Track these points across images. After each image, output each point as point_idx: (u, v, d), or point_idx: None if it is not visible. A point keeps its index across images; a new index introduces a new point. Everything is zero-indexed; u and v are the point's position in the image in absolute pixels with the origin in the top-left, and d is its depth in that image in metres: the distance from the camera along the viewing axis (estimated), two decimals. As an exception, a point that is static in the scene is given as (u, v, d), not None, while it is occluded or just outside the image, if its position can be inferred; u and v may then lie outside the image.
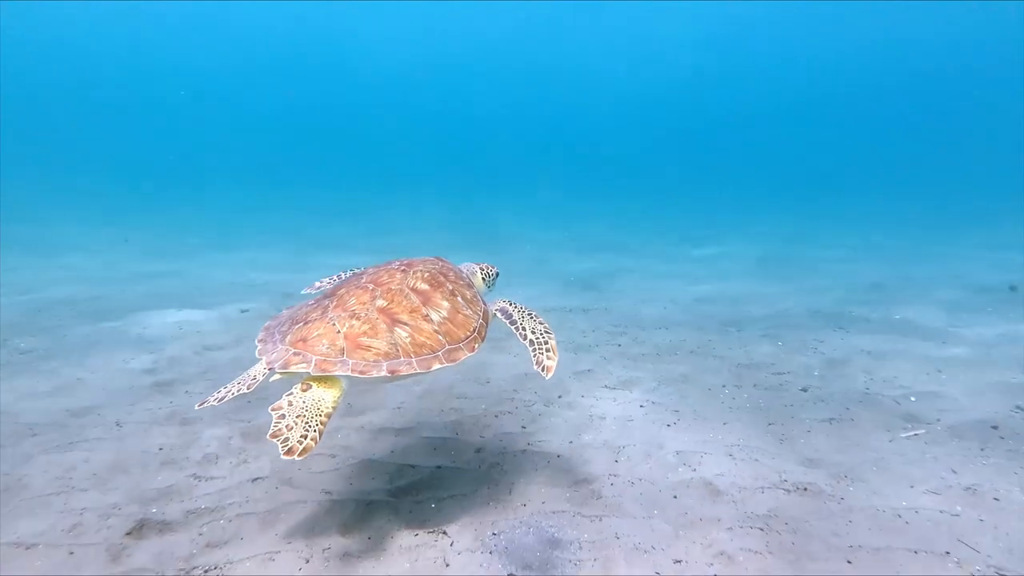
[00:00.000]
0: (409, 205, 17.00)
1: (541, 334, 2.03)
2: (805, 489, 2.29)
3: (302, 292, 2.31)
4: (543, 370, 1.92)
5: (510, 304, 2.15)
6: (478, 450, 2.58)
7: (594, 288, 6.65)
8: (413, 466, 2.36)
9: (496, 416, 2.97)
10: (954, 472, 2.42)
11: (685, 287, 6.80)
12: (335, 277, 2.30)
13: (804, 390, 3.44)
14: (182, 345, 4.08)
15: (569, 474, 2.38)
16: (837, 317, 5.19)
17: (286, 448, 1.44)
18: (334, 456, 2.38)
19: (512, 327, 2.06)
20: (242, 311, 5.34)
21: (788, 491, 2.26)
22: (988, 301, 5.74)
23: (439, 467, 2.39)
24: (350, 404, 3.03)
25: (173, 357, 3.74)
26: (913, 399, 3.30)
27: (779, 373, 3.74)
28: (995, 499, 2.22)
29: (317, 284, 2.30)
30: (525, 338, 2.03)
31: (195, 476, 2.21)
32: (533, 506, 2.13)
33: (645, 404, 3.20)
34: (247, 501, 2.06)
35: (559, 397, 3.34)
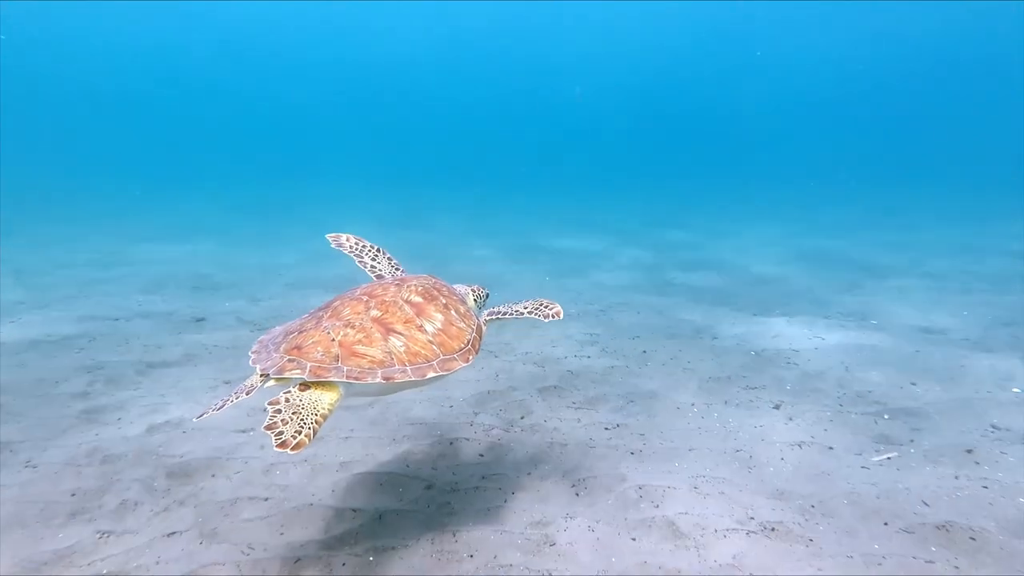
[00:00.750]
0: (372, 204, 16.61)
1: (531, 302, 2.20)
2: (773, 529, 2.16)
3: (326, 236, 2.34)
4: (553, 316, 2.14)
5: (495, 307, 2.27)
6: (428, 487, 2.40)
7: (569, 291, 6.49)
8: (354, 510, 2.16)
9: (451, 444, 2.79)
10: (927, 506, 2.31)
11: (664, 287, 6.68)
12: (360, 240, 2.35)
13: (776, 407, 3.33)
14: (125, 362, 3.80)
15: (523, 515, 2.21)
16: (813, 322, 5.10)
17: (279, 441, 1.46)
18: (267, 499, 2.17)
19: (507, 317, 2.20)
20: (197, 320, 5.05)
21: (754, 532, 2.13)
22: (964, 304, 5.73)
23: (382, 510, 2.20)
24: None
25: (112, 377, 3.46)
26: (887, 417, 3.20)
27: (751, 388, 3.62)
28: (971, 539, 2.11)
29: (345, 238, 2.34)
30: (522, 315, 2.17)
31: (103, 533, 1.98)
32: (481, 557, 1.96)
33: (610, 427, 3.04)
34: (157, 563, 1.84)
35: (521, 418, 3.17)
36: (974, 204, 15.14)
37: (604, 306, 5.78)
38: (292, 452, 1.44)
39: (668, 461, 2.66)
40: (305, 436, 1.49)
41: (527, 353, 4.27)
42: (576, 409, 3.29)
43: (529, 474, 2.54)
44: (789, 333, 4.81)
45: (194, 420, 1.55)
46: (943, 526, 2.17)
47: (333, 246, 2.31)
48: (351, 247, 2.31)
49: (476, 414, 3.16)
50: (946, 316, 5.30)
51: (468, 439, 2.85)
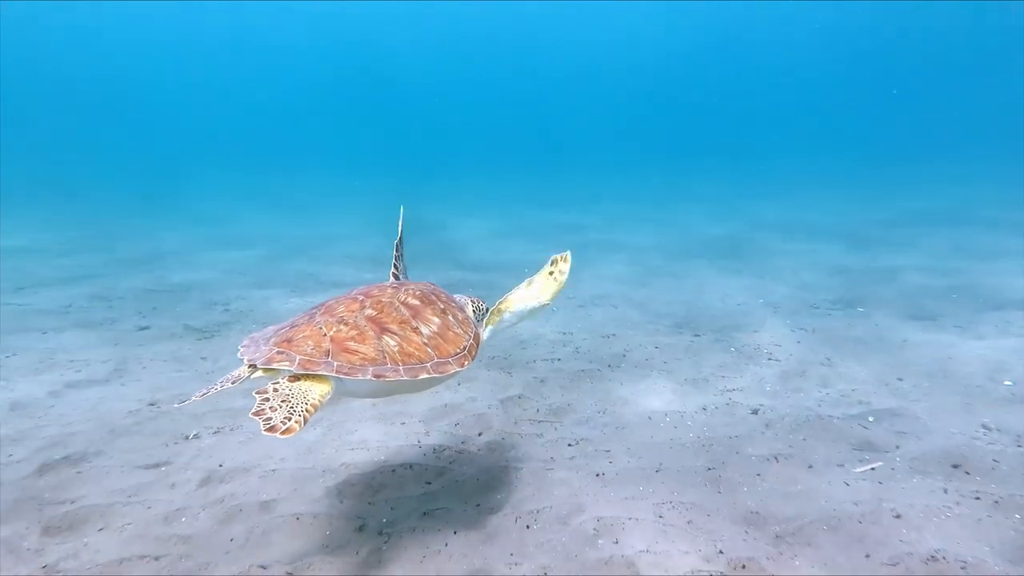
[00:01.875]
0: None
1: (529, 281, 2.09)
2: (743, 567, 1.91)
3: (401, 207, 2.39)
4: (563, 260, 2.07)
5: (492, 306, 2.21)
6: (360, 528, 2.12)
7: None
8: (263, 566, 1.88)
9: (394, 471, 2.51)
10: (915, 530, 2.08)
11: (645, 277, 6.40)
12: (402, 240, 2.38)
13: (754, 412, 3.09)
14: (41, 381, 3.45)
15: (463, 561, 1.95)
16: (797, 313, 4.87)
17: (268, 426, 1.41)
18: (159, 558, 1.87)
19: (513, 306, 2.11)
20: (140, 328, 4.69)
21: (722, 574, 1.88)
22: (953, 286, 5.53)
23: (298, 563, 1.92)
24: (220, 465, 2.51)
25: (19, 403, 3.11)
26: (871, 419, 2.98)
27: (729, 390, 3.38)
28: (962, 569, 1.89)
29: (402, 226, 2.35)
30: (524, 285, 2.06)
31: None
32: (406, 619, 1.69)
33: (574, 443, 2.78)
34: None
35: (479, 435, 2.90)
36: (958, 175, 14.98)
37: (584, 300, 5.50)
38: (282, 437, 1.39)
39: (633, 484, 2.40)
40: (295, 422, 1.43)
41: (493, 357, 3.99)
42: (539, 423, 3.02)
43: (477, 506, 2.27)
44: (772, 325, 4.57)
45: (175, 406, 1.61)
46: (932, 556, 1.94)
47: (400, 215, 2.37)
48: (401, 231, 2.38)
49: (427, 433, 2.88)
50: (934, 300, 5.09)
51: (415, 464, 2.57)
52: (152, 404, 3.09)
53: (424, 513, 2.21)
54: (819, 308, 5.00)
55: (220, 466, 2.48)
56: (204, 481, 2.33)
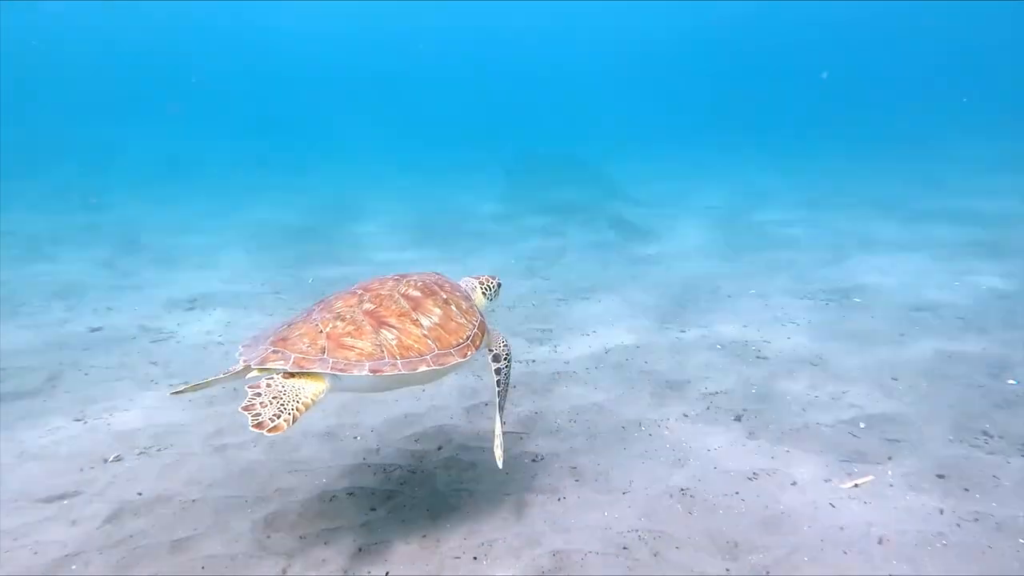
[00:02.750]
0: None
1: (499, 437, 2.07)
2: (713, 612, 1.68)
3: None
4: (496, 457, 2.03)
5: (503, 351, 2.19)
6: (283, 570, 1.88)
7: (533, 276, 5.89)
8: (163, 622, 1.64)
9: (334, 497, 2.26)
10: (908, 562, 1.85)
11: (634, 268, 6.12)
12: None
13: (737, 419, 2.85)
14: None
15: (396, 608, 1.72)
16: (790, 306, 4.60)
17: (256, 422, 1.43)
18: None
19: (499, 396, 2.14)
20: (92, 330, 4.42)
21: (688, 621, 1.65)
22: (955, 272, 5.26)
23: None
24: (138, 493, 2.26)
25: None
26: (862, 425, 2.74)
27: (712, 393, 3.13)
28: (958, 610, 1.66)
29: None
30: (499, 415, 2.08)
31: None
32: None
33: (539, 458, 2.54)
34: None
35: (438, 449, 2.66)
36: (960, 154, 14.58)
37: (569, 292, 5.22)
38: (268, 434, 1.41)
39: (598, 509, 2.17)
40: (284, 421, 1.45)
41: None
42: (504, 434, 2.76)
43: (423, 537, 2.04)
44: (762, 319, 4.31)
45: (169, 393, 1.60)
46: (928, 597, 1.71)
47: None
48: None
49: (378, 450, 2.64)
50: (935, 289, 4.83)
51: (359, 488, 2.33)
52: (78, 419, 2.83)
53: (360, 549, 1.97)
54: (813, 300, 4.74)
55: (139, 495, 2.23)
56: (113, 516, 2.08)
